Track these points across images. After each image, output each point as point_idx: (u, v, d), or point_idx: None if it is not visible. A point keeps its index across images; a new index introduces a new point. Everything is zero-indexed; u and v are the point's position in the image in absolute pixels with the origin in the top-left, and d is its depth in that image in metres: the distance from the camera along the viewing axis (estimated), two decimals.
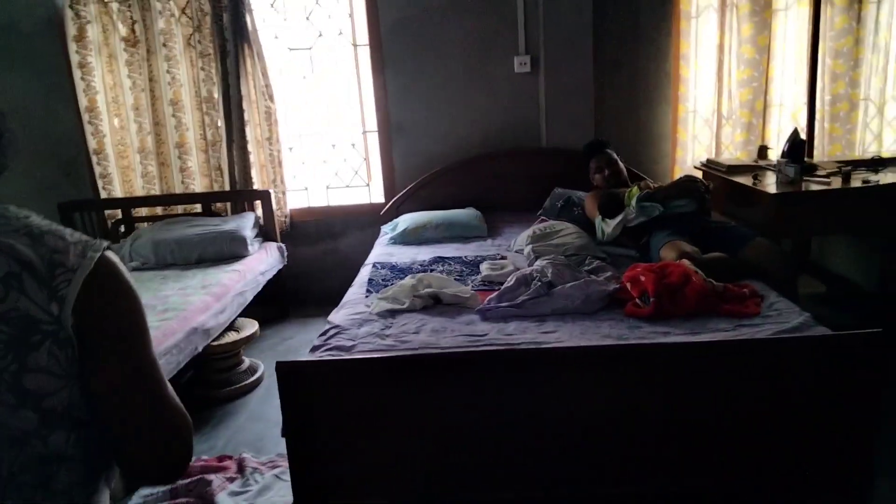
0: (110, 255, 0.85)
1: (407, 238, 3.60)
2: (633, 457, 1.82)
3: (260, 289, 3.61)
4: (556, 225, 3.24)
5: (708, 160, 3.83)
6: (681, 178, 3.34)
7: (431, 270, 3.02)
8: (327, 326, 2.38)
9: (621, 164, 3.48)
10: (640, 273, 2.37)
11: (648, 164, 4.14)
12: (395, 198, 4.07)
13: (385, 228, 3.82)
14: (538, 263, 2.63)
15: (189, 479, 2.33)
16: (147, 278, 3.41)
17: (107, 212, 4.07)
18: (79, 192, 4.08)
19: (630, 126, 4.11)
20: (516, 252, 3.24)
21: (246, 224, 3.79)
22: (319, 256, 4.25)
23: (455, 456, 1.88)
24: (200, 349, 2.85)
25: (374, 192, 4.32)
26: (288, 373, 1.86)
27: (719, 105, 4.03)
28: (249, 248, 3.71)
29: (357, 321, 2.40)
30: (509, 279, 2.53)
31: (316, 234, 4.25)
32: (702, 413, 1.77)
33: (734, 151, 4.06)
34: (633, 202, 3.06)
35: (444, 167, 4.03)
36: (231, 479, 2.34)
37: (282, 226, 4.15)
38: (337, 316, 2.50)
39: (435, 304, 2.51)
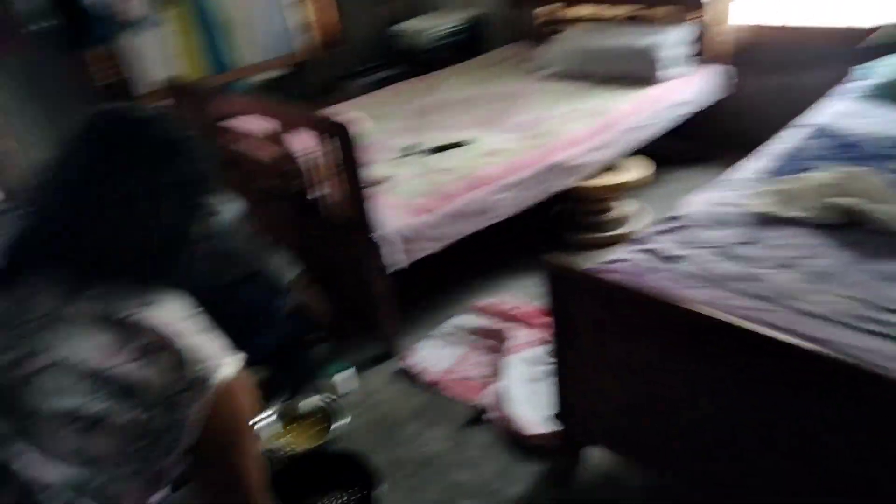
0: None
1: (888, 91, 2.38)
2: None
3: (674, 124, 3.00)
4: None
5: None
6: None
7: None
8: (675, 214, 1.79)
9: None
10: None
11: None
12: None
13: (859, 72, 2.59)
14: None
15: (500, 326, 2.23)
16: (554, 90, 3.15)
17: (535, 11, 3.84)
18: None
19: None
20: None
21: (667, 41, 3.05)
22: (769, 93, 3.23)
23: (744, 455, 1.25)
24: (558, 189, 2.56)
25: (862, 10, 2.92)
26: (556, 277, 1.45)
27: None
28: (666, 71, 3.03)
29: (718, 216, 1.73)
30: None
31: (768, 63, 3.20)
32: None
33: None
34: None
35: None
36: (532, 344, 2.14)
37: (723, 46, 3.24)
38: (699, 199, 1.86)
39: (851, 225, 1.60)
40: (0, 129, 3.01)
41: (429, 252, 2.16)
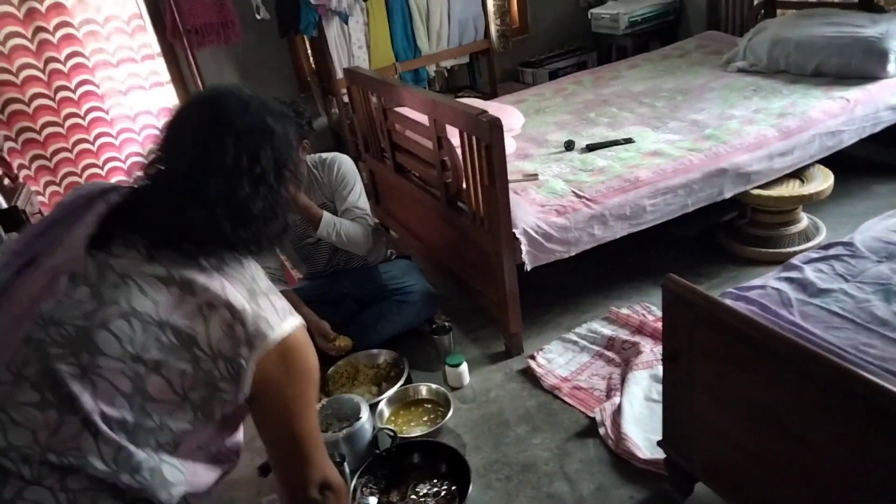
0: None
1: None
2: None
3: (878, 129, 2.56)
4: None
5: None
6: None
7: None
8: (844, 240, 1.54)
9: None
10: None
11: None
12: None
13: None
14: None
15: (632, 340, 2.10)
16: (740, 86, 2.86)
17: None
18: None
19: None
20: None
21: None
22: None
23: None
24: (727, 195, 2.31)
25: None
26: (675, 298, 1.33)
27: None
28: (891, 66, 2.57)
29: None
30: None
31: None
32: None
33: None
34: None
35: None
36: (660, 361, 1.98)
37: None
38: (881, 225, 1.57)
39: None
40: None
41: (559, 257, 2.09)
